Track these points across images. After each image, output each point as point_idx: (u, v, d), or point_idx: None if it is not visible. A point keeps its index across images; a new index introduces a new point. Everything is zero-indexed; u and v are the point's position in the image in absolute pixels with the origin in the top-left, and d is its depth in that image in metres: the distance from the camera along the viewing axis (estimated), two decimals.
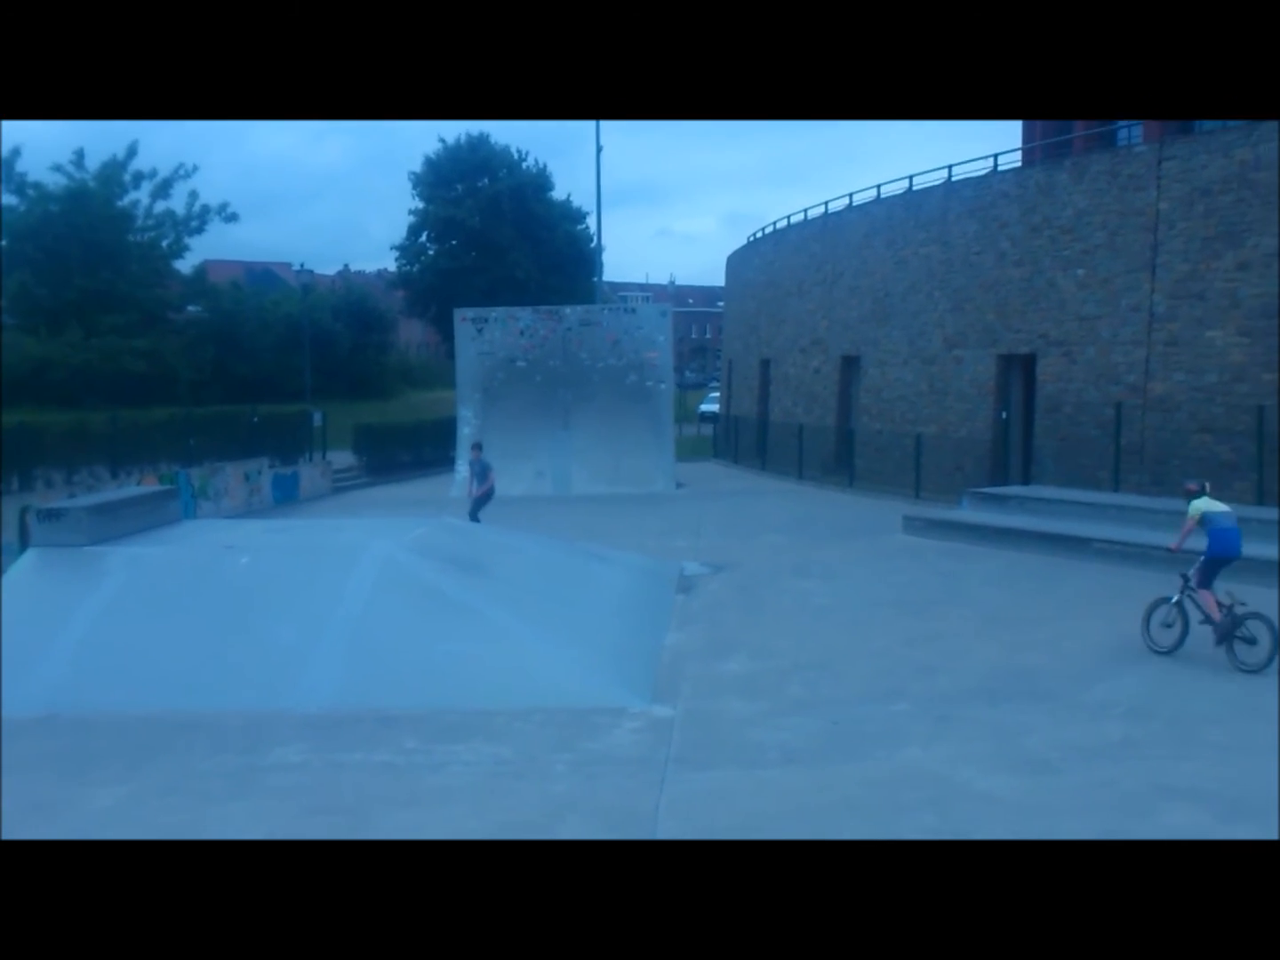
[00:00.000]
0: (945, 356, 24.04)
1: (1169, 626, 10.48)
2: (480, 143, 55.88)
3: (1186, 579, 10.42)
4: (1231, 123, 21.02)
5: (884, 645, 10.96)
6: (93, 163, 43.55)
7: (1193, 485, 10.73)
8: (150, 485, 19.87)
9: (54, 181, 42.28)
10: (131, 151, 43.98)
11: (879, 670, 10.07)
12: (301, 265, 40.75)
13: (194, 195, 45.25)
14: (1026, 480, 21.35)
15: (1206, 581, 10.23)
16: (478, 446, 19.43)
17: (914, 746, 7.97)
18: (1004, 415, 22.75)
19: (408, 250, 56.83)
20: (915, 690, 9.37)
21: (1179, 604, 10.45)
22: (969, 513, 17.81)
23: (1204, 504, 10.42)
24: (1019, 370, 22.58)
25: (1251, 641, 9.71)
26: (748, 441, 32.77)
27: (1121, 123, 26.69)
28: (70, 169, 42.91)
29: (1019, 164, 24.66)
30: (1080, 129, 26.70)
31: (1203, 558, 10.30)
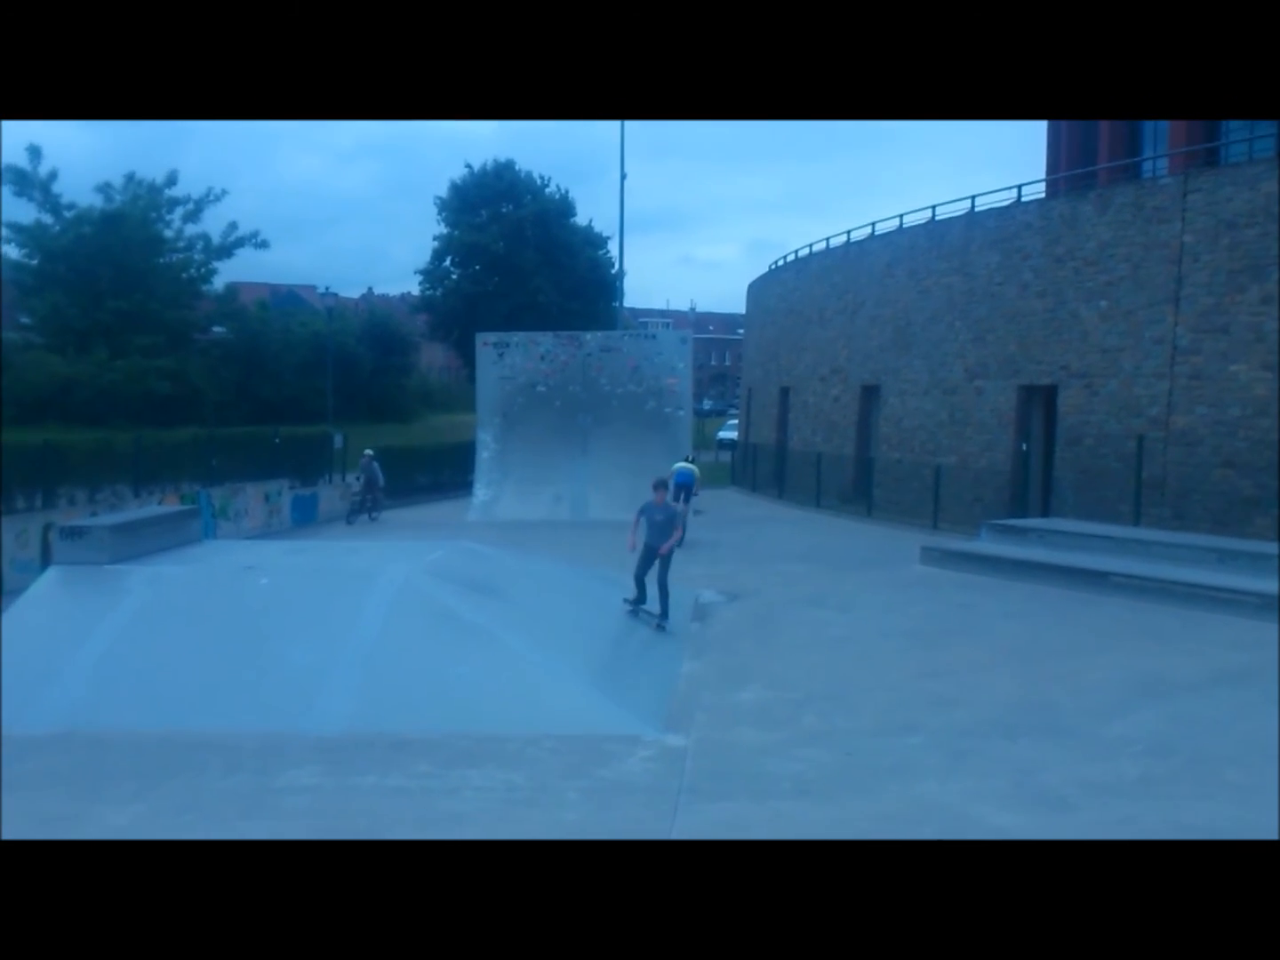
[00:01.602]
0: (966, 387, 24.01)
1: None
2: (505, 169, 56.40)
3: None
4: (1258, 155, 21.02)
5: (899, 677, 10.90)
6: (124, 183, 44.17)
7: (687, 455, 24.05)
8: (172, 504, 19.99)
9: (89, 203, 42.90)
10: (171, 180, 44.61)
11: (894, 702, 10.02)
12: (326, 288, 41.14)
13: (233, 226, 45.90)
14: (1046, 513, 21.26)
15: (679, 500, 19.85)
16: (665, 485, 13.36)
17: (929, 780, 7.91)
18: (1024, 447, 22.69)
19: (431, 274, 57.28)
20: (931, 723, 9.31)
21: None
22: (987, 544, 17.72)
23: (678, 465, 21.95)
24: (1040, 402, 22.53)
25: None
26: (766, 469, 32.77)
27: (1146, 155, 26.71)
28: (106, 192, 43.51)
29: (1043, 195, 24.68)
30: (1104, 160, 26.73)
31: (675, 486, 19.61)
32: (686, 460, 22.72)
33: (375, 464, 26.68)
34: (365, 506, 26.48)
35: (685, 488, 21.05)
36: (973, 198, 24.88)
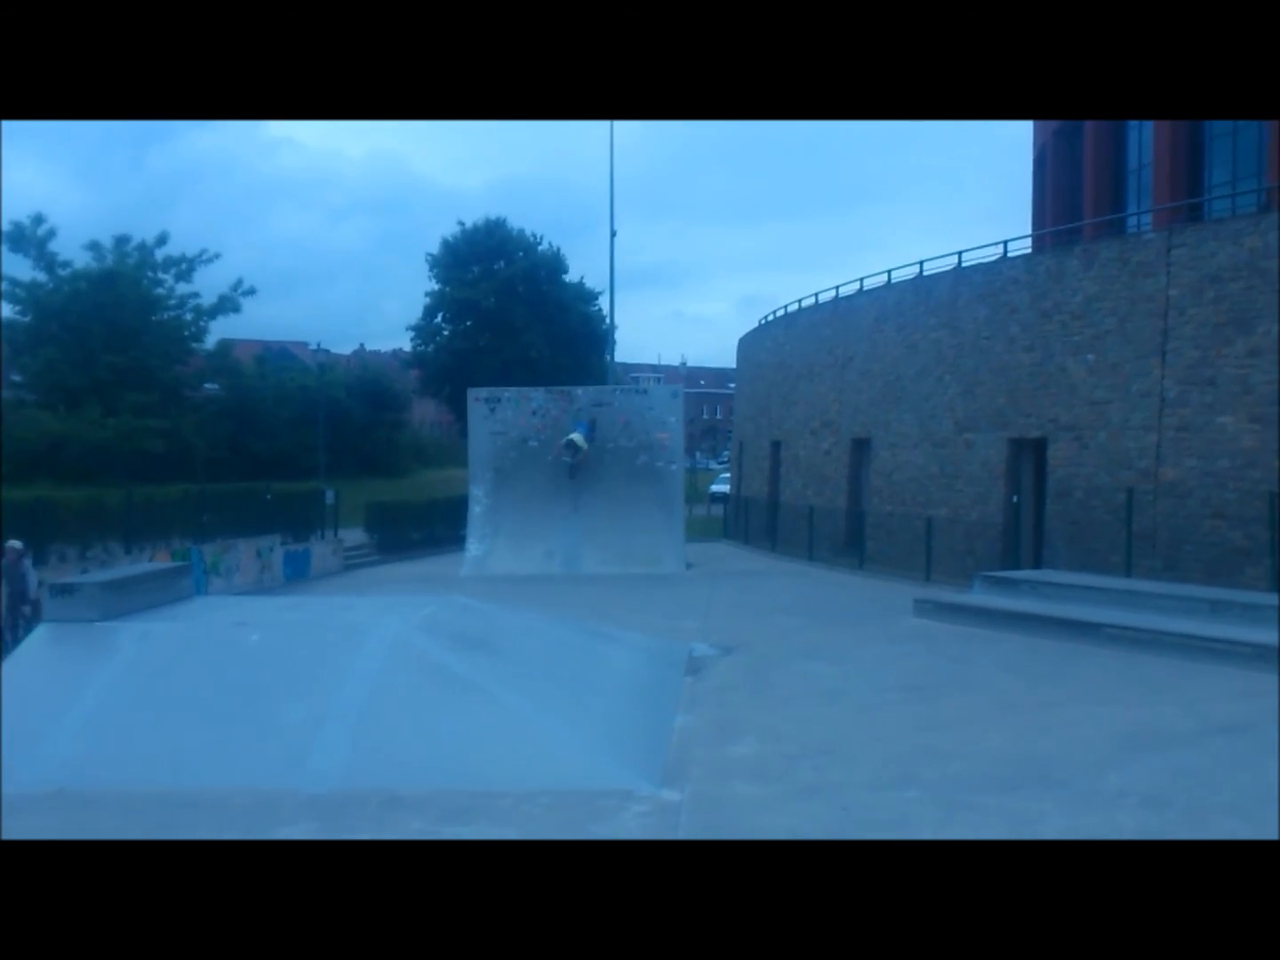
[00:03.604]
0: (956, 440, 24.13)
1: None
2: (496, 226, 56.80)
3: None
4: (1240, 210, 21.31)
5: (894, 730, 10.86)
6: (118, 243, 44.44)
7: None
8: (163, 561, 19.94)
9: (83, 260, 43.13)
10: (161, 240, 44.91)
11: (889, 756, 9.98)
12: (318, 344, 41.40)
13: (225, 296, 46.13)
14: (1038, 564, 21.29)
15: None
16: None
17: (925, 834, 7.86)
18: (1015, 499, 22.76)
19: (423, 330, 57.49)
20: (926, 777, 9.27)
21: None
22: (980, 596, 17.73)
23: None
24: (1030, 454, 22.64)
25: None
26: (758, 523, 32.78)
27: (1130, 210, 27.05)
28: (99, 251, 43.77)
29: (1029, 250, 24.96)
30: (1089, 215, 27.07)
31: None
32: None
33: (27, 561, 16.31)
34: (14, 625, 15.27)
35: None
36: (960, 253, 25.17)
